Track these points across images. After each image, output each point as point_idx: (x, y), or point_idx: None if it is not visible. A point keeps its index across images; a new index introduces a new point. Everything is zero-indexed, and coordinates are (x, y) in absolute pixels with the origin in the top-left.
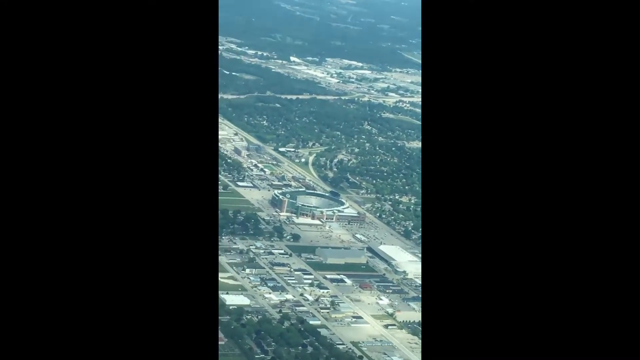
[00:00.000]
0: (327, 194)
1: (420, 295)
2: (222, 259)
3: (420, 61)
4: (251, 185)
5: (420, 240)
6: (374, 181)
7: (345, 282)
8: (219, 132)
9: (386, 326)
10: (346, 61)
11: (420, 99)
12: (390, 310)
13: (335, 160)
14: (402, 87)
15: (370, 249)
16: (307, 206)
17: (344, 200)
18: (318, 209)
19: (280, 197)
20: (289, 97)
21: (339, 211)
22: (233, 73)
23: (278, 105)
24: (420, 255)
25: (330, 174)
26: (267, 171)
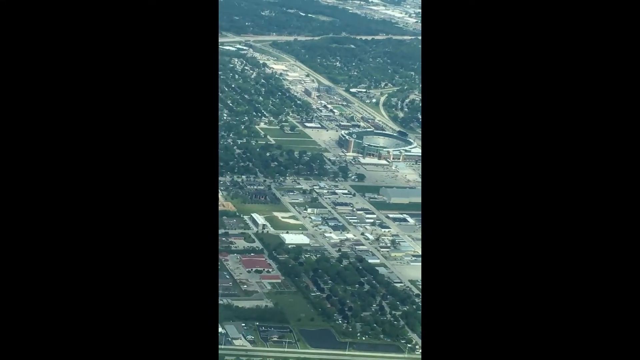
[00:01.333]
0: (395, 134)
1: None
2: (285, 199)
3: None
4: (319, 126)
5: None
6: None
7: (408, 222)
8: (290, 74)
9: None
10: None
11: None
12: None
13: (407, 100)
14: None
15: None
16: (374, 146)
17: (411, 140)
18: (385, 149)
19: (347, 137)
20: (364, 37)
21: (405, 151)
22: (309, 15)
23: (352, 46)
24: None
25: (401, 114)
26: (337, 112)
